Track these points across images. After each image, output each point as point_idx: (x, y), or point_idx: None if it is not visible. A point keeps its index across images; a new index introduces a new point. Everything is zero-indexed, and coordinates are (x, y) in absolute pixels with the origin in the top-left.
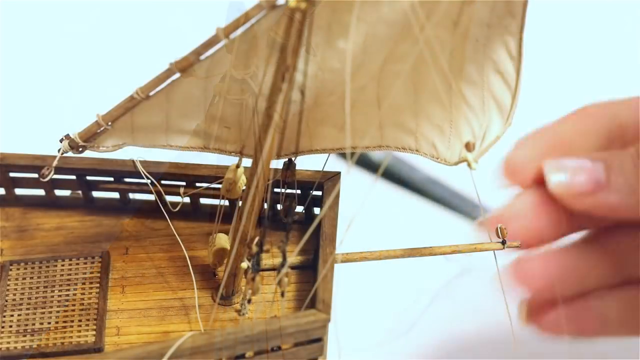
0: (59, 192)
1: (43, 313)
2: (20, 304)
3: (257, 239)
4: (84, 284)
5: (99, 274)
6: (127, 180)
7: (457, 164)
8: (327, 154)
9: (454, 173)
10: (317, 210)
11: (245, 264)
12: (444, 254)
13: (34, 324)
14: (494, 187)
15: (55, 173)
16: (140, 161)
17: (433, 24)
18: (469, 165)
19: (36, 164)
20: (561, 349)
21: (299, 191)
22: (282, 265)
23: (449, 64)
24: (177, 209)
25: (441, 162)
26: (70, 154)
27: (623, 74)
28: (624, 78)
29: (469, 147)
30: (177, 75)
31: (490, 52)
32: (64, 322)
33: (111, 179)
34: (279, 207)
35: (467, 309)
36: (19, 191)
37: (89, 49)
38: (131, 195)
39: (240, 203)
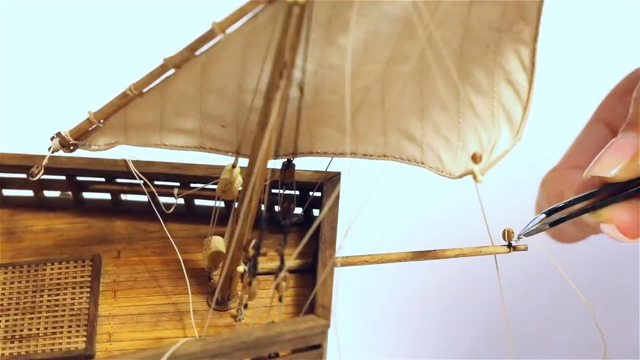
0: (48, 193)
1: (32, 319)
2: (8, 309)
3: (254, 241)
4: (74, 288)
5: (89, 278)
6: (118, 180)
7: (462, 176)
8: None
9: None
10: (316, 212)
11: (241, 268)
12: (447, 257)
13: (22, 330)
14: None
15: (44, 173)
16: (133, 161)
17: (438, 22)
18: (474, 178)
19: (25, 163)
20: (558, 347)
21: (297, 192)
22: (280, 268)
23: (457, 68)
24: (170, 210)
25: (445, 175)
26: (61, 152)
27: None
28: None
29: (475, 158)
30: (172, 71)
31: (501, 59)
32: (54, 327)
33: (102, 179)
34: (276, 208)
35: (468, 310)
36: (6, 192)
37: (80, 44)
38: (123, 197)
39: (236, 204)
